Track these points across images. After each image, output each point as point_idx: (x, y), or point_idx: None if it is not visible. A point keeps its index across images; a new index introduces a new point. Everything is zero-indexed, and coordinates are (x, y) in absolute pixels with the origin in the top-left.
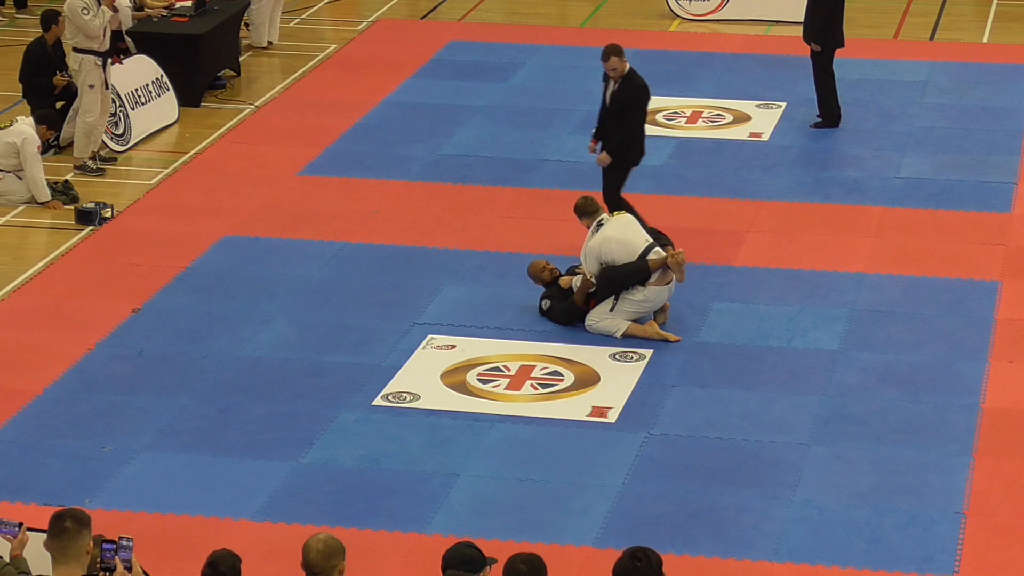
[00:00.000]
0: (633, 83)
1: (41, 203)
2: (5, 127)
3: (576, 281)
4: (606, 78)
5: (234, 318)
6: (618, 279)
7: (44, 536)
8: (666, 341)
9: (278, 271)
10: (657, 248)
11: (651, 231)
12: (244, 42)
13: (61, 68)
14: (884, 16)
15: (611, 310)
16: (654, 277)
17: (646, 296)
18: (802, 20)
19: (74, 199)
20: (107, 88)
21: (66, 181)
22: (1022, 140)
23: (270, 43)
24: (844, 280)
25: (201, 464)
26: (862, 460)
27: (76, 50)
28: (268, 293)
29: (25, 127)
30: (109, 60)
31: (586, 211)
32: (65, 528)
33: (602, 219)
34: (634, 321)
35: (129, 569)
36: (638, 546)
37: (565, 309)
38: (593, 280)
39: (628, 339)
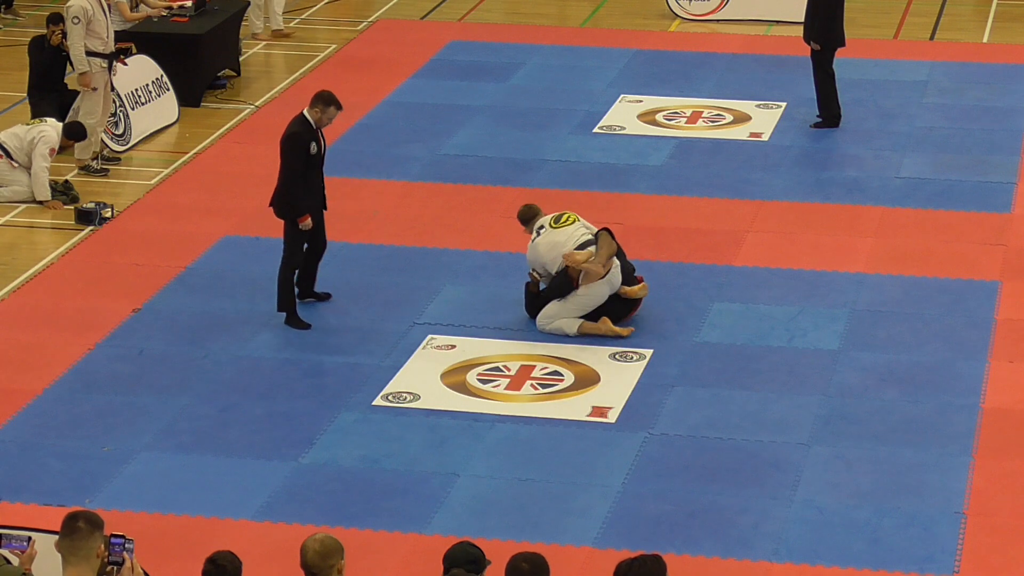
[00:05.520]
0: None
1: (40, 202)
2: (32, 124)
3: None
4: (318, 131)
5: (234, 318)
6: (553, 296)
7: (53, 538)
8: (619, 336)
9: (278, 271)
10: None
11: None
12: (243, 42)
13: (64, 66)
14: (884, 16)
15: (559, 310)
16: (581, 279)
17: (587, 292)
18: (802, 20)
19: (74, 199)
20: (112, 90)
21: (66, 181)
22: (1022, 140)
23: (276, 32)
24: (844, 280)
25: (201, 464)
26: (862, 460)
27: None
28: (268, 293)
29: (47, 128)
30: (114, 63)
31: (523, 219)
32: (78, 528)
33: (542, 225)
34: (584, 317)
35: (131, 570)
36: (645, 555)
37: (558, 284)
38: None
39: (583, 336)
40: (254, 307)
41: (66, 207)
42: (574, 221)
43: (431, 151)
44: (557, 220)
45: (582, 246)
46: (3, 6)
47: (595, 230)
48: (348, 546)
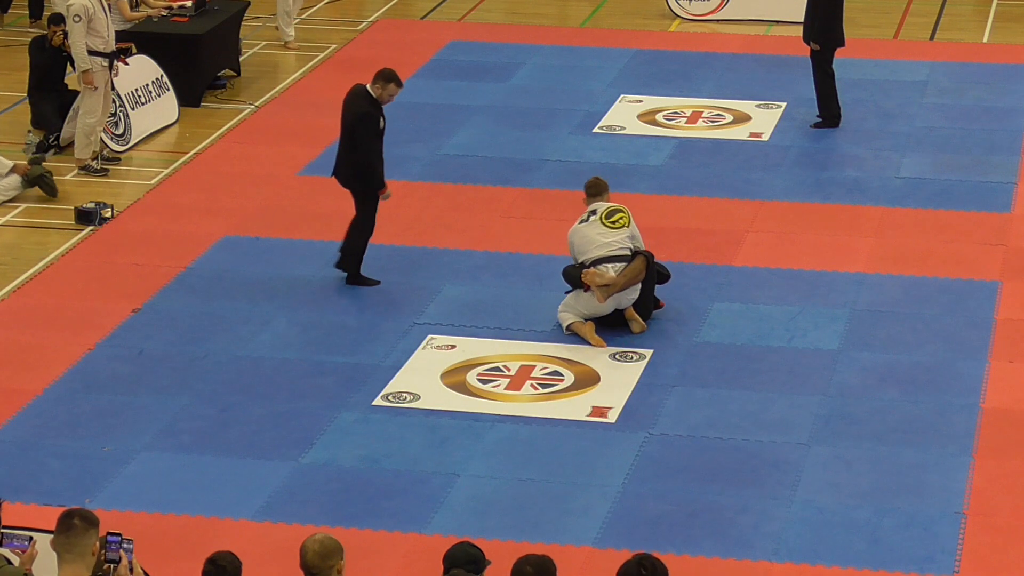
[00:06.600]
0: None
1: (24, 179)
2: None
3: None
4: (379, 106)
5: (234, 318)
6: (566, 278)
7: (51, 537)
8: (600, 345)
9: (278, 271)
10: (601, 266)
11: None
12: (243, 42)
13: (65, 66)
14: (884, 16)
15: (570, 304)
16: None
17: (588, 300)
18: (802, 20)
19: (50, 185)
20: (112, 90)
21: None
22: (1022, 140)
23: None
24: (844, 280)
25: (201, 464)
26: (862, 460)
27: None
28: (268, 293)
29: None
30: (115, 62)
31: (589, 191)
32: (73, 525)
33: (595, 210)
34: (582, 320)
35: (131, 570)
36: (647, 554)
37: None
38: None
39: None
40: (254, 307)
41: (37, 175)
42: (623, 226)
43: (431, 151)
44: (609, 215)
45: (613, 258)
46: (33, 19)
47: (639, 246)
48: (348, 546)
